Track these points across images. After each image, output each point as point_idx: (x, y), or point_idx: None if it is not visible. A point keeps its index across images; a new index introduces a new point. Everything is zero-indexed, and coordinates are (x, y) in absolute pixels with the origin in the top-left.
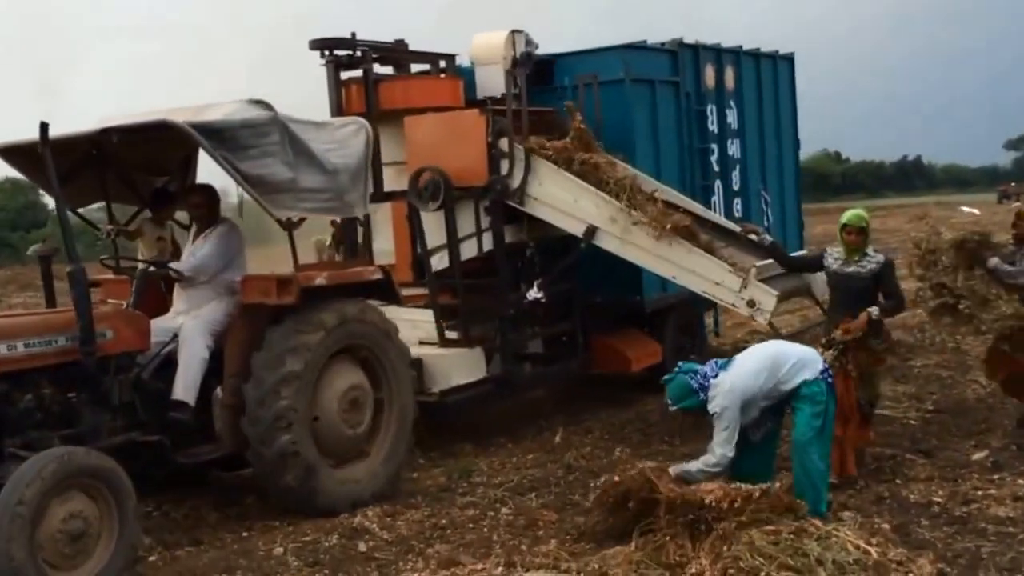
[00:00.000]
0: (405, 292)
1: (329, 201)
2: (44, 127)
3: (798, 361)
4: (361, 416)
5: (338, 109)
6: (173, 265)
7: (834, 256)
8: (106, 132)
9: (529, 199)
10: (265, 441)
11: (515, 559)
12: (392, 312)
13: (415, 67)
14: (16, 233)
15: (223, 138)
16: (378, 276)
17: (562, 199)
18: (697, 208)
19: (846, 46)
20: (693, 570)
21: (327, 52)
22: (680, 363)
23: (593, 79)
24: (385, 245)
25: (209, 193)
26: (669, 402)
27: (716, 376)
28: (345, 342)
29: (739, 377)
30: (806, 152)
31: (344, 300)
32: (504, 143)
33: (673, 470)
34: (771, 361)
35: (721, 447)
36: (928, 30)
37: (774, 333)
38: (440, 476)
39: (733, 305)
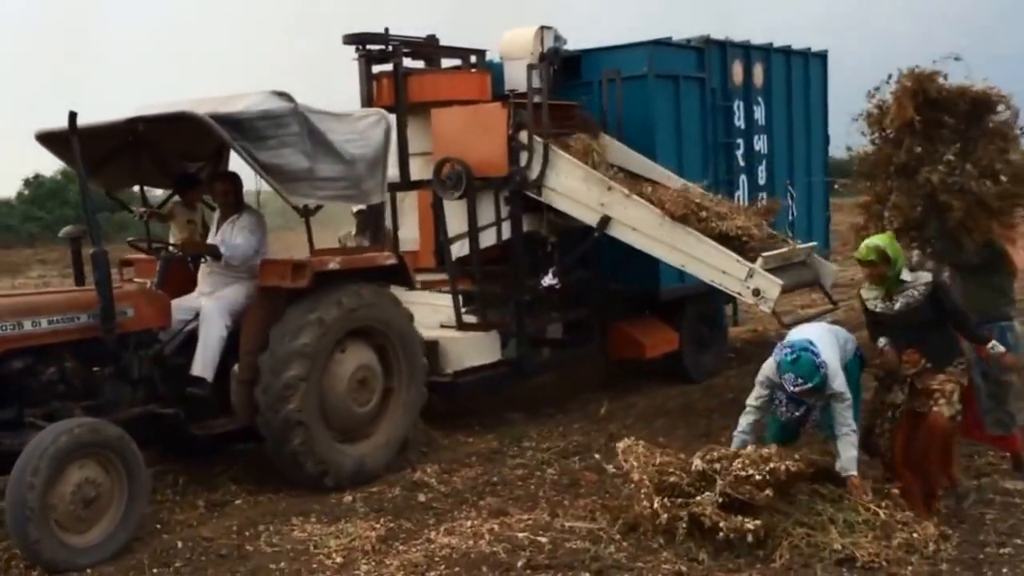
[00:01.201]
0: (429, 277)
1: (346, 189)
2: (72, 116)
3: (846, 338)
4: (369, 396)
5: (368, 101)
6: (222, 250)
7: (871, 297)
8: (133, 121)
9: (547, 190)
10: (273, 408)
11: (557, 512)
12: (415, 296)
13: (447, 62)
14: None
15: (242, 128)
16: (392, 261)
17: (578, 190)
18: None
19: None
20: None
21: (360, 46)
22: (790, 342)
23: (616, 74)
24: (411, 232)
25: (234, 181)
26: (801, 380)
27: (820, 356)
28: (358, 324)
29: (836, 361)
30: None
31: (358, 284)
32: (524, 135)
33: (843, 470)
34: (835, 343)
35: (854, 420)
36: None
37: (779, 323)
38: (493, 441)
39: (739, 294)
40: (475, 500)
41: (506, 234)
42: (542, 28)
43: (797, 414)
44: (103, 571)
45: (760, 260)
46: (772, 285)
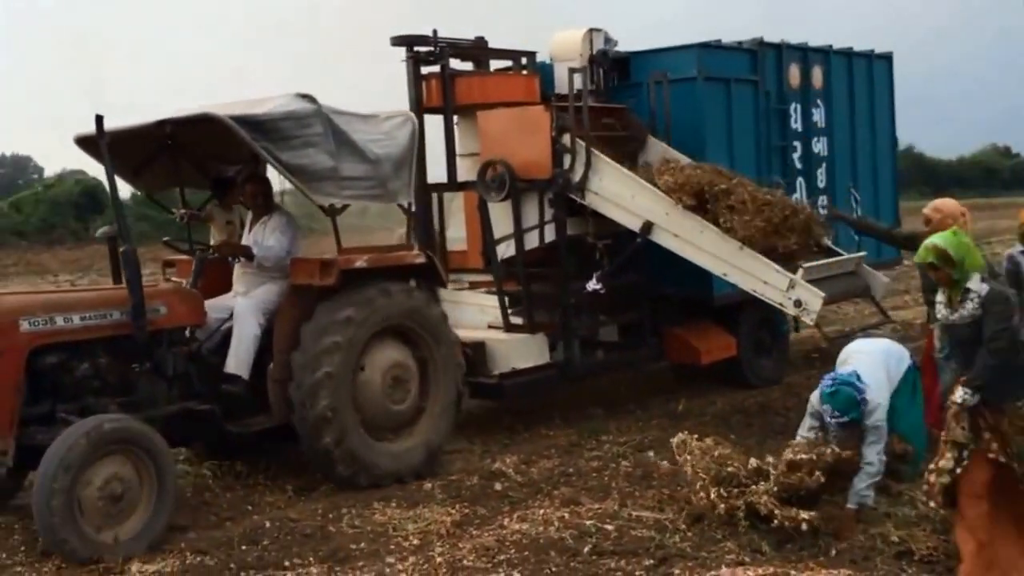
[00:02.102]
0: (475, 278)
1: (371, 189)
2: (99, 120)
3: (900, 357)
4: (405, 394)
5: (417, 103)
6: (255, 251)
7: (939, 301)
8: (161, 124)
9: (590, 193)
10: (307, 404)
11: (627, 502)
12: (463, 296)
13: (499, 63)
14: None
15: (265, 129)
16: (421, 260)
17: (620, 194)
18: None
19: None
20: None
21: (408, 48)
22: (835, 375)
23: (663, 77)
24: (458, 232)
25: (263, 183)
26: (838, 413)
27: (863, 392)
28: (390, 321)
29: (880, 393)
30: (975, 146)
31: (389, 282)
32: (567, 138)
33: (852, 505)
34: (885, 371)
35: (880, 455)
36: None
37: (821, 336)
38: (572, 434)
39: (781, 304)
40: (549, 490)
41: (550, 236)
42: (591, 30)
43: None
44: (196, 546)
45: (801, 271)
46: (814, 297)
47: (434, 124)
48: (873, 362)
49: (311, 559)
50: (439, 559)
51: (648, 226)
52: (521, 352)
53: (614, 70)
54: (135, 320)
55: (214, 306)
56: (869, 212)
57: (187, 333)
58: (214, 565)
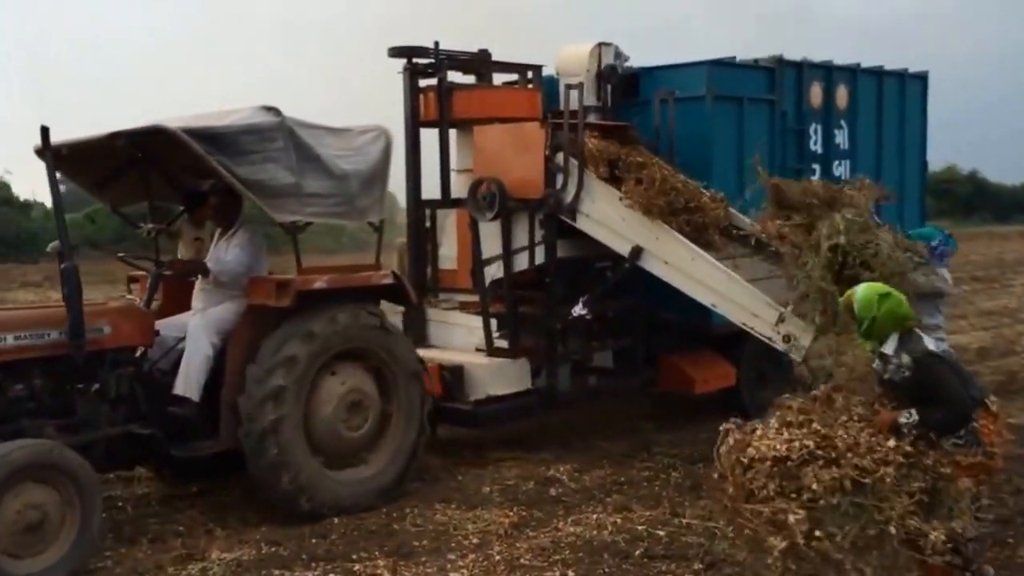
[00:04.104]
0: (466, 298)
1: (336, 206)
2: (45, 131)
3: None
4: (362, 419)
5: (414, 116)
6: (211, 267)
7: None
8: (114, 136)
9: (581, 215)
10: (257, 452)
11: (678, 510)
12: (451, 317)
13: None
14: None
15: (220, 143)
16: (387, 281)
17: (611, 217)
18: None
19: None
20: None
21: (407, 60)
22: None
23: (668, 95)
24: (451, 251)
25: (227, 196)
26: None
27: None
28: (343, 347)
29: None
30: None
31: (345, 305)
32: (560, 157)
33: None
34: None
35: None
36: None
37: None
38: (624, 446)
39: (770, 339)
40: (602, 497)
41: (541, 258)
42: (600, 45)
43: None
44: (270, 538)
45: (791, 305)
46: (805, 332)
47: (431, 138)
48: None
49: (377, 553)
50: (497, 557)
51: (638, 251)
52: (500, 378)
53: (623, 86)
54: (72, 340)
55: (172, 324)
56: None
57: (137, 353)
58: (287, 555)
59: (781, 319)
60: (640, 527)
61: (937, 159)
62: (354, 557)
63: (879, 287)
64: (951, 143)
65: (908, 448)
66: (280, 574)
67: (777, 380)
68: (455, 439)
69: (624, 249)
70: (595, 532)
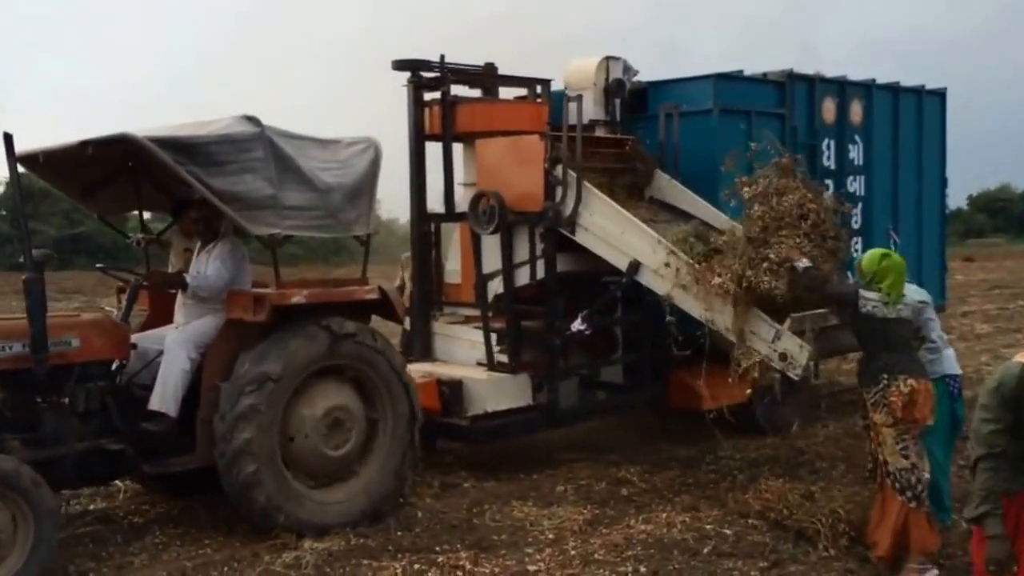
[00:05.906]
0: (469, 312)
1: (318, 219)
2: (8, 138)
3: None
4: (345, 436)
5: (417, 129)
6: (190, 279)
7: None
8: (84, 144)
9: (580, 228)
10: (230, 472)
11: (744, 511)
12: (454, 331)
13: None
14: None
15: (192, 153)
16: (372, 296)
17: (609, 230)
18: None
19: None
20: None
21: (411, 73)
22: None
23: (673, 108)
24: (455, 265)
25: (206, 208)
26: None
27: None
28: (324, 363)
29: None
30: None
31: (329, 320)
32: (559, 170)
33: None
34: None
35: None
36: None
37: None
38: (691, 450)
39: (766, 357)
40: (671, 496)
41: (542, 273)
42: (607, 58)
43: None
44: (358, 529)
45: (788, 321)
46: (801, 350)
47: (436, 152)
48: None
49: (459, 546)
50: (572, 552)
51: (635, 265)
52: (499, 394)
53: (632, 100)
54: (35, 353)
55: (152, 337)
56: (911, 256)
57: (114, 366)
58: (375, 546)
59: (778, 336)
60: (708, 526)
61: (991, 177)
62: (437, 549)
63: (881, 250)
64: (1007, 160)
65: None
66: (368, 563)
67: (792, 395)
68: (528, 443)
69: (622, 263)
70: (665, 530)
